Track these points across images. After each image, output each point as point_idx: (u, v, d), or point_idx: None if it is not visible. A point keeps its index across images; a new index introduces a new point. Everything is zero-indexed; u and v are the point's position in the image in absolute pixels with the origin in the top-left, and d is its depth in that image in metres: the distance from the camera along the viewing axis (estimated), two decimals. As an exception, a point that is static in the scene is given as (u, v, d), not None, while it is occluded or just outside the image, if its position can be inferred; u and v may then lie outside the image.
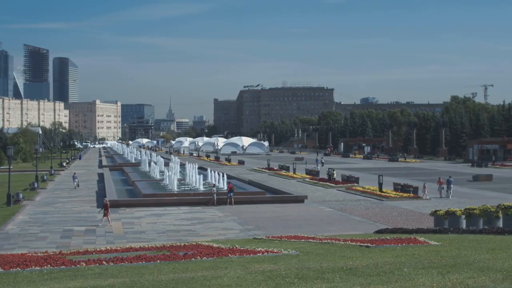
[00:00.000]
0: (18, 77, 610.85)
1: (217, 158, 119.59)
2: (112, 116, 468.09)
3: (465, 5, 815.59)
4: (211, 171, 56.86)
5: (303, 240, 19.77)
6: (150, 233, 31.41)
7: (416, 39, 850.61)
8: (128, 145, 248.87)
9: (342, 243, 17.44)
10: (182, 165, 67.09)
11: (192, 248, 17.84)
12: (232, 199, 42.47)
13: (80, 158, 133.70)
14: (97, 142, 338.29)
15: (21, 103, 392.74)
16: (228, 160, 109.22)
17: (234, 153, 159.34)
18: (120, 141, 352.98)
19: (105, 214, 34.13)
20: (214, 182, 50.79)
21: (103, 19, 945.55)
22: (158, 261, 14.72)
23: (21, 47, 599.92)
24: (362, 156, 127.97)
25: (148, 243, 23.29)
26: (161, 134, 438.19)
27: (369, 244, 16.46)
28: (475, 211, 25.99)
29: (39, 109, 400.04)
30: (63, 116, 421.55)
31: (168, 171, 55.20)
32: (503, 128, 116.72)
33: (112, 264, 14.75)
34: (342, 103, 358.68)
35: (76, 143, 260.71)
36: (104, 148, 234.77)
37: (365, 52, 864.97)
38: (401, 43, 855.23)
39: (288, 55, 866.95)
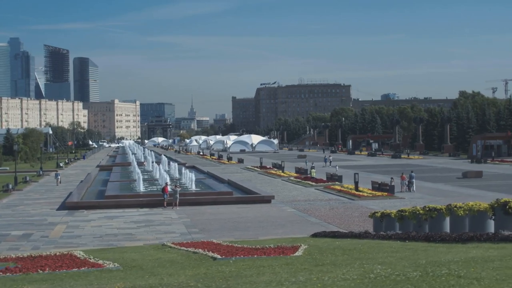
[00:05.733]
0: (40, 77, 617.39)
1: (219, 157, 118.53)
2: (131, 115, 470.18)
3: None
4: (186, 171, 55.62)
5: (199, 249, 18.25)
6: (85, 237, 30.31)
7: (437, 35, 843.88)
8: (141, 144, 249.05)
9: (206, 253, 15.99)
10: (180, 165, 65.92)
11: (58, 258, 16.63)
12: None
13: (84, 158, 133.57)
14: (115, 141, 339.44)
15: (40, 103, 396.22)
16: (229, 159, 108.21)
17: (243, 151, 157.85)
18: (139, 140, 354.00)
19: None
20: (177, 182, 49.44)
21: (123, 18, 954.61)
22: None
23: (42, 47, 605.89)
24: (367, 153, 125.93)
25: (48, 251, 22.16)
26: (181, 132, 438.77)
27: (218, 256, 14.98)
28: (406, 213, 24.33)
29: (57, 109, 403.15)
30: (82, 116, 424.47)
31: (139, 172, 53.83)
32: (509, 123, 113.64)
33: None
34: (360, 99, 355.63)
35: (91, 142, 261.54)
36: (117, 147, 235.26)
37: (384, 49, 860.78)
38: (421, 39, 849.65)
39: (305, 52, 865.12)
